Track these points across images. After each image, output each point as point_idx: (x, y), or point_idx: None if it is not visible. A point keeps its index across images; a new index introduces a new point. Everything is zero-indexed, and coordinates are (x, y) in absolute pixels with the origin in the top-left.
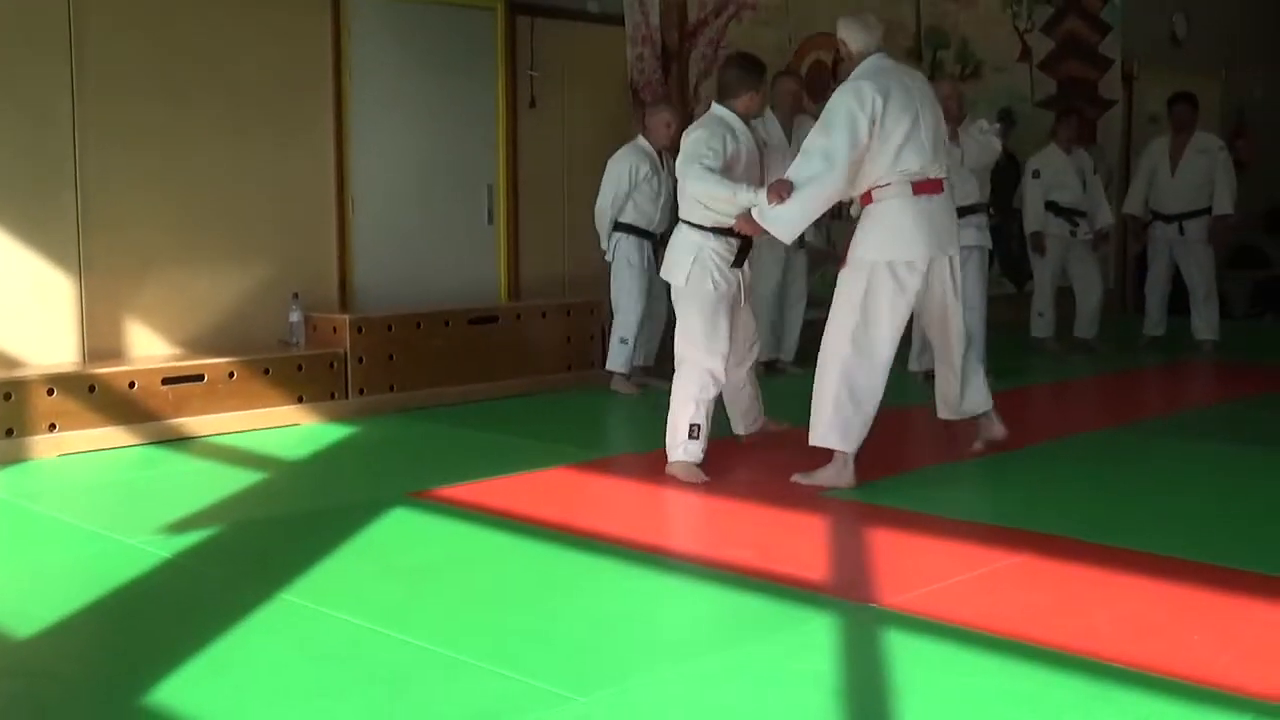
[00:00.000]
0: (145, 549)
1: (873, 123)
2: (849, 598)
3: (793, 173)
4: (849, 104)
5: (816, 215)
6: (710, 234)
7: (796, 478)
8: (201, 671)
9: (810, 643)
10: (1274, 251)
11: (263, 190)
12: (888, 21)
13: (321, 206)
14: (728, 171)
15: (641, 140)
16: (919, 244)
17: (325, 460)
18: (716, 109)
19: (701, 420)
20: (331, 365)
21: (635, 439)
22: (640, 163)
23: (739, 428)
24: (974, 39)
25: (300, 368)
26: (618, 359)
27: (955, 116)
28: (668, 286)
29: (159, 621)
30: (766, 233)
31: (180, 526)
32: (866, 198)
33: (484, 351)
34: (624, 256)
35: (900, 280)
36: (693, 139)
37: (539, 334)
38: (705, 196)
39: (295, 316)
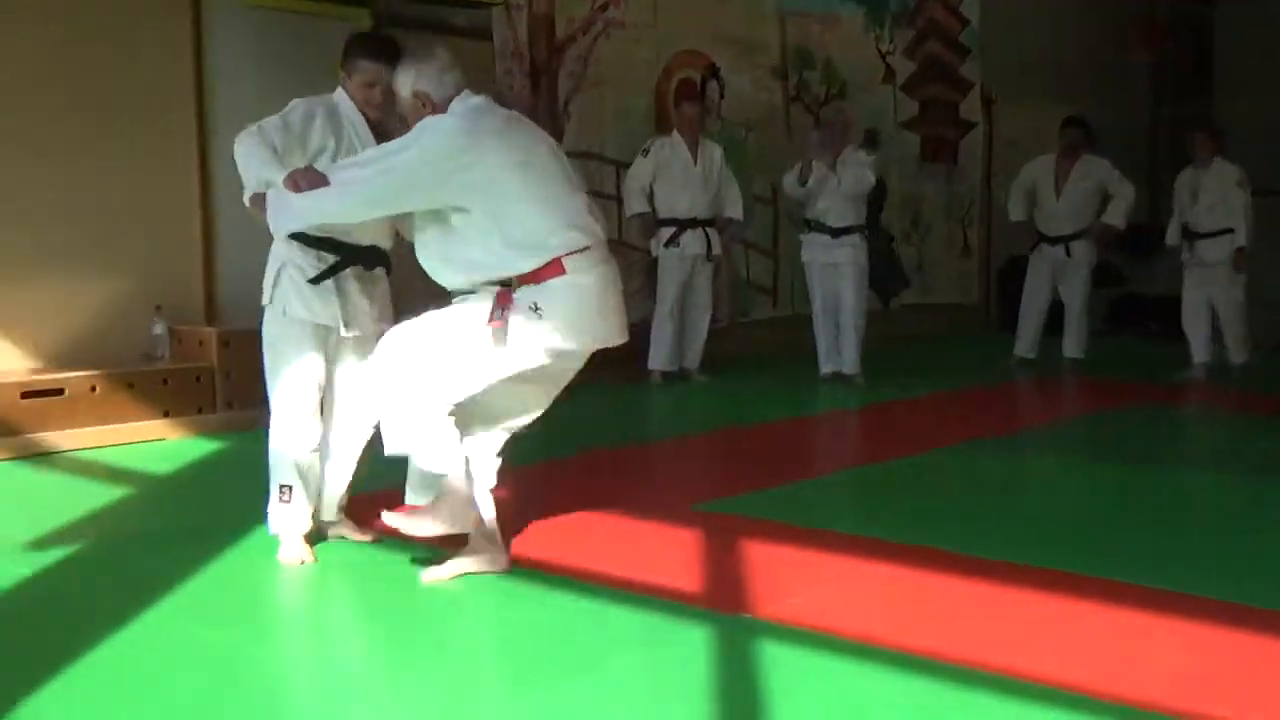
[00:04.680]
0: (3, 566)
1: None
2: (721, 609)
3: (339, 170)
4: (445, 125)
5: (322, 219)
6: (295, 244)
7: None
8: (63, 690)
9: (684, 655)
10: (1130, 270)
11: (123, 200)
12: (752, 41)
13: (185, 216)
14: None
15: None
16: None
17: (193, 476)
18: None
19: (294, 481)
20: (198, 379)
21: None
22: None
23: (322, 513)
24: (838, 60)
25: (165, 381)
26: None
27: (838, 144)
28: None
29: (24, 637)
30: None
31: (41, 543)
32: None
33: None
34: None
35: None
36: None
37: None
38: (239, 164)
39: (159, 329)
